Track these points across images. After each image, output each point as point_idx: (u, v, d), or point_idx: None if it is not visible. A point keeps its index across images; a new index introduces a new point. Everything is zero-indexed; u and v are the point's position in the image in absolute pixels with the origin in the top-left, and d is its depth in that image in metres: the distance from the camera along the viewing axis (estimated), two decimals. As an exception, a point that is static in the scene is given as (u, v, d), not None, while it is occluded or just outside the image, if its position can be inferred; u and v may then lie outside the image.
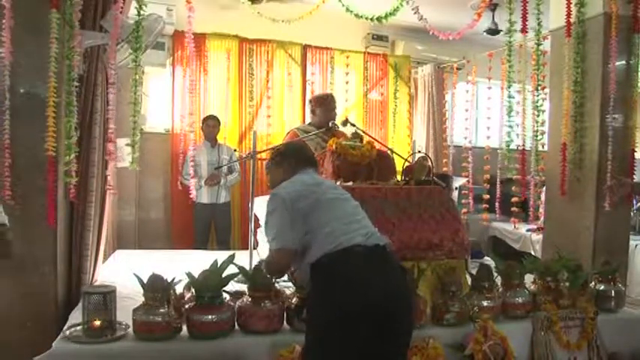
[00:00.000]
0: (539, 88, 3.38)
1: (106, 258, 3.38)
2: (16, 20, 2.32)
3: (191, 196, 3.14)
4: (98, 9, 2.71)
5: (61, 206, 2.54)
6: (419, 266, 2.49)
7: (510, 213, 5.05)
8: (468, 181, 5.44)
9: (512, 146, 3.49)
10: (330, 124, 3.52)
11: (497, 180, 5.14)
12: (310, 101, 3.93)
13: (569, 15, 3.30)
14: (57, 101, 2.40)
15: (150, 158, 4.97)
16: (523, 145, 3.55)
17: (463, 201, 5.39)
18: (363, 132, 3.47)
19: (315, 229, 1.95)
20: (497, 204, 5.14)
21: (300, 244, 1.95)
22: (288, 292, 2.39)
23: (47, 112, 2.34)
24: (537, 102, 3.37)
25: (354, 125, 3.55)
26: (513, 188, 3.96)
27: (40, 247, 2.46)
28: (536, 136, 3.36)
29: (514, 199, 4.88)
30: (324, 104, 3.72)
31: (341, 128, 3.68)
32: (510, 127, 3.39)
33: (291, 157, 2.24)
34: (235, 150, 5.03)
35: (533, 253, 4.55)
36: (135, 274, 2.17)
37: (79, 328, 2.13)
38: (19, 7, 2.33)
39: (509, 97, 3.38)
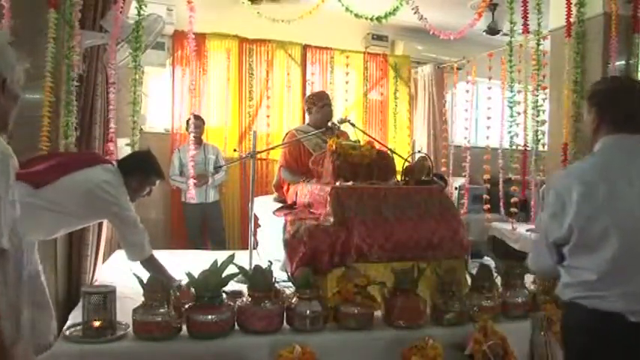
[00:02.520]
0: (540, 87, 3.38)
1: (106, 258, 3.38)
2: (16, 20, 2.32)
3: (190, 195, 3.15)
4: (98, 9, 2.71)
5: (61, 206, 2.54)
6: (419, 266, 2.48)
7: (510, 213, 5.04)
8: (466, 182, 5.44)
9: (513, 146, 3.49)
10: (330, 124, 3.51)
11: (491, 179, 5.12)
12: (305, 102, 3.92)
13: (569, 15, 3.30)
14: (53, 101, 2.40)
15: (150, 158, 4.96)
16: (525, 145, 3.55)
17: (462, 201, 5.39)
18: (363, 132, 3.47)
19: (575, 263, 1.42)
20: (488, 204, 5.10)
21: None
22: (288, 292, 2.39)
23: (42, 112, 2.35)
24: (537, 102, 3.37)
25: (353, 125, 3.55)
26: (513, 188, 3.95)
27: (40, 247, 2.45)
28: (537, 136, 3.36)
29: (514, 200, 4.87)
30: (318, 102, 3.70)
31: (341, 127, 3.67)
32: (511, 126, 3.39)
33: (597, 103, 1.50)
34: (235, 150, 5.03)
35: (533, 253, 4.54)
36: (135, 274, 2.17)
37: (79, 328, 2.13)
38: (18, 7, 2.33)
39: (511, 98, 3.38)
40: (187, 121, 4.86)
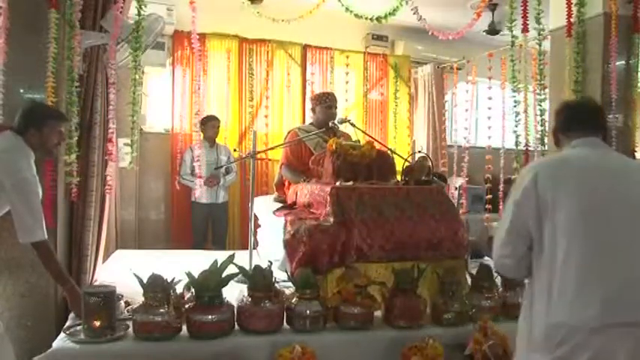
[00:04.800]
0: (541, 87, 3.39)
1: (106, 258, 3.38)
2: (16, 20, 2.32)
3: (197, 194, 3.15)
4: (98, 9, 2.71)
5: (60, 206, 2.53)
6: (419, 266, 2.48)
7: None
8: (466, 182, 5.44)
9: (511, 146, 3.49)
10: (330, 124, 3.51)
11: (486, 179, 5.12)
12: (311, 99, 3.93)
13: (569, 15, 3.30)
14: (55, 101, 2.40)
15: (150, 158, 4.97)
16: (527, 145, 3.54)
17: (461, 201, 5.38)
18: (363, 132, 3.47)
19: None
20: (489, 204, 5.10)
21: None
22: (288, 292, 2.39)
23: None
24: (540, 102, 3.38)
25: (353, 125, 3.56)
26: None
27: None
28: (543, 137, 3.36)
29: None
30: (323, 102, 3.71)
31: (341, 127, 3.68)
32: (517, 126, 3.41)
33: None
34: (235, 150, 5.03)
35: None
36: (135, 274, 2.17)
37: (79, 328, 2.13)
38: (18, 7, 2.33)
39: (515, 98, 3.39)
40: (204, 122, 4.81)
